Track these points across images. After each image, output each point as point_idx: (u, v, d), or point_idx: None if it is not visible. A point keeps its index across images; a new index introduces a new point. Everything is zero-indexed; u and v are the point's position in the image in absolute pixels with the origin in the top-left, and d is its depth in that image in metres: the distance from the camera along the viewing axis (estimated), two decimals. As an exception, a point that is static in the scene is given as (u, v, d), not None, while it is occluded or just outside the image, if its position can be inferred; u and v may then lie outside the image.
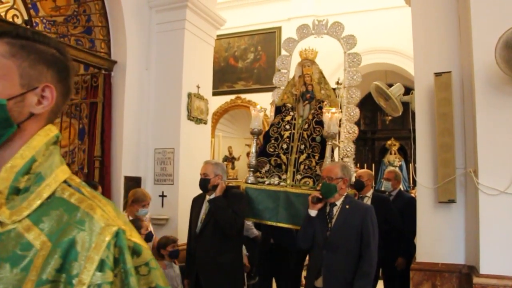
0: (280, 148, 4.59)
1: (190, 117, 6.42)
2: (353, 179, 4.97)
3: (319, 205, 3.68)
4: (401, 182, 6.49)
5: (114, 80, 6.11)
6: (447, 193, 4.21)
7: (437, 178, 4.27)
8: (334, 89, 4.88)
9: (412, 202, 5.55)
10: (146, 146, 6.34)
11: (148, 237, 4.32)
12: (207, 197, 4.23)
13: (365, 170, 6.63)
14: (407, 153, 12.37)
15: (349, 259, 3.48)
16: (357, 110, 4.74)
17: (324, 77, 4.85)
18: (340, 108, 4.75)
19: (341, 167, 3.70)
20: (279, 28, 10.41)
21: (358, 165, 12.05)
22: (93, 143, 5.96)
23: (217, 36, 7.49)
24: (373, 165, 11.89)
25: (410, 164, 11.19)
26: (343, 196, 3.68)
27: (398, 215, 5.39)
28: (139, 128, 6.28)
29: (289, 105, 4.80)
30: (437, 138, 4.29)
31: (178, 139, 6.22)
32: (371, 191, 5.54)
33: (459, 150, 4.26)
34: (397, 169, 11.78)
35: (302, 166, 4.46)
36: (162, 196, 6.10)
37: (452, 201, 4.20)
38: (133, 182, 5.97)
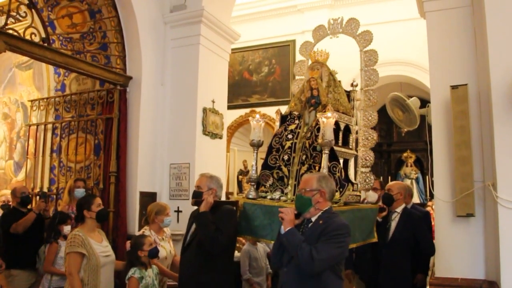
0: (281, 159, 4.15)
1: (205, 132, 6.44)
2: (371, 192, 4.81)
3: (295, 221, 3.19)
4: (415, 195, 6.24)
5: (129, 96, 6.17)
6: (466, 207, 4.15)
7: (455, 192, 4.22)
8: (349, 92, 4.54)
9: (426, 217, 5.37)
10: (161, 161, 6.37)
11: (151, 254, 4.11)
12: None
13: (396, 182, 5.84)
14: (424, 165, 12.24)
15: (304, 279, 3.02)
16: (375, 114, 4.42)
17: (334, 80, 4.39)
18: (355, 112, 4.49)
19: (318, 178, 3.26)
20: (293, 41, 10.39)
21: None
22: (109, 158, 5.99)
23: (231, 49, 7.52)
24: (389, 177, 11.75)
25: (427, 176, 11.05)
26: (321, 211, 3.20)
27: (430, 238, 4.78)
28: (155, 143, 6.31)
29: (296, 113, 4.36)
30: (454, 151, 4.25)
31: (194, 154, 6.22)
32: (402, 206, 4.87)
33: (477, 163, 4.20)
34: (409, 182, 11.66)
35: None
36: (178, 211, 6.08)
37: (470, 215, 4.15)
38: (148, 198, 5.97)
